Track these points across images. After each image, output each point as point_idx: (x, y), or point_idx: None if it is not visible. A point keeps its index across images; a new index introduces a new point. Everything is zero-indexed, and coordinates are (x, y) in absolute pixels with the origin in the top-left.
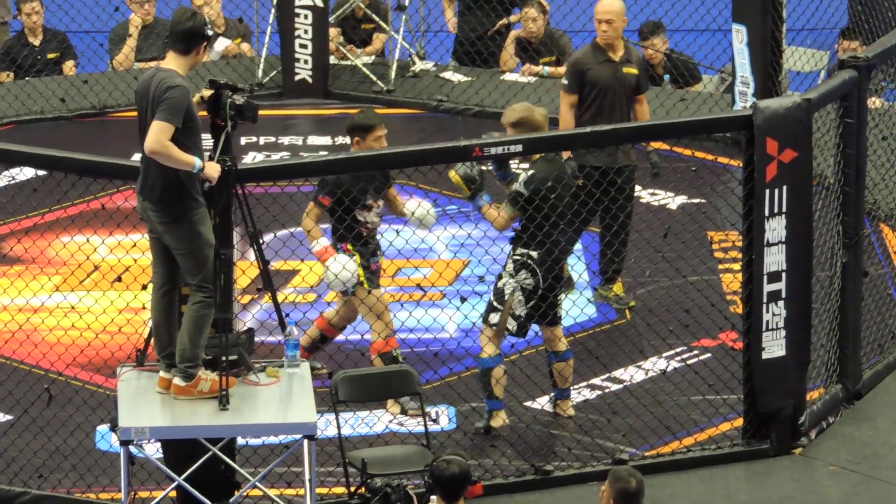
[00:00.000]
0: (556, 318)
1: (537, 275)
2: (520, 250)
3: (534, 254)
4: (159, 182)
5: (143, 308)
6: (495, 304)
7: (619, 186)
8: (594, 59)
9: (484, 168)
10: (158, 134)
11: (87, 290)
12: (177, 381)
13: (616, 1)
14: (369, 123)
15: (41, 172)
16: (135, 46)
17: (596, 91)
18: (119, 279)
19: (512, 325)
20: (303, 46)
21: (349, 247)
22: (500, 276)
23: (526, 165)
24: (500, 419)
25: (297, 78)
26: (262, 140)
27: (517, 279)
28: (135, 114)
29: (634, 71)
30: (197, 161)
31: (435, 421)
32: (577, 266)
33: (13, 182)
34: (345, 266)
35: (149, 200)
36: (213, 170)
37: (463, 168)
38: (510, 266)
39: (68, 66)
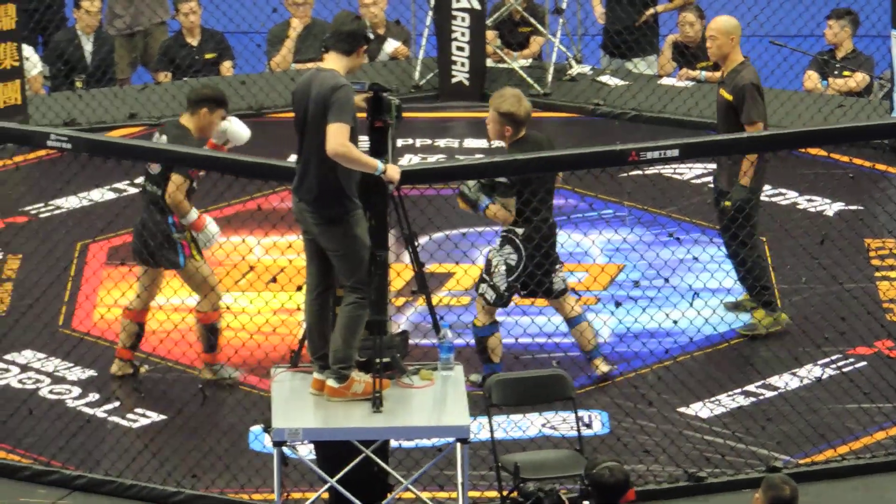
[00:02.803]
0: (555, 290)
1: (521, 251)
2: (504, 228)
3: (519, 231)
4: (318, 183)
5: (298, 309)
6: (485, 276)
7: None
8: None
9: (473, 184)
10: (338, 136)
11: (241, 290)
12: (330, 382)
13: (722, 17)
14: (223, 99)
15: (200, 173)
16: (293, 48)
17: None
18: (274, 280)
19: (490, 294)
20: (460, 49)
21: (181, 221)
22: (491, 250)
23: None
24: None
25: (453, 81)
26: (418, 142)
27: (502, 253)
28: (291, 115)
29: (728, 96)
30: (379, 163)
31: (588, 426)
32: (731, 273)
33: None
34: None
35: (305, 201)
36: (396, 172)
37: (462, 191)
38: (497, 241)
39: (226, 67)
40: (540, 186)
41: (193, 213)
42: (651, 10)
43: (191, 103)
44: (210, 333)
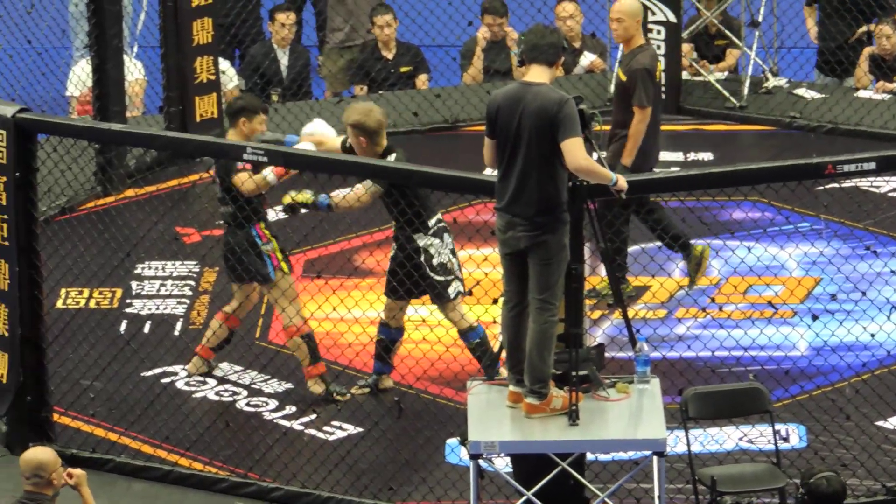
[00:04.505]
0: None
1: (447, 230)
2: (432, 222)
3: (438, 216)
4: (539, 197)
5: (494, 322)
6: (445, 278)
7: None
8: None
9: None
10: (580, 150)
11: None
12: (529, 399)
13: (625, 0)
14: (257, 106)
15: None
16: (480, 64)
17: None
18: (470, 293)
19: (459, 285)
20: None
21: (263, 229)
22: (427, 255)
23: None
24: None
25: None
26: None
27: (445, 244)
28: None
29: (623, 77)
30: (613, 175)
31: (785, 439)
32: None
33: None
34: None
35: (522, 216)
36: (624, 182)
37: (284, 205)
38: (436, 241)
39: (421, 80)
40: None
41: (270, 174)
42: (864, 28)
43: (229, 117)
44: (311, 344)
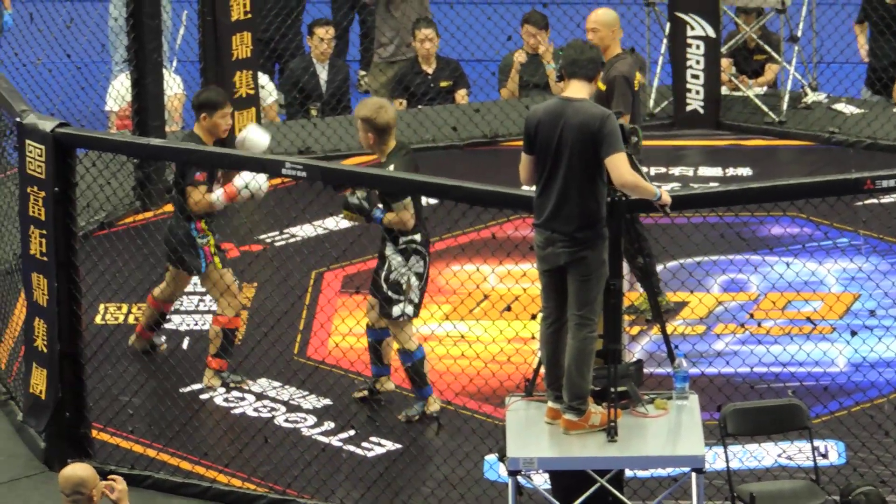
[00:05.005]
0: (392, 313)
1: (425, 256)
2: (403, 240)
3: (417, 237)
4: (580, 212)
5: (532, 338)
6: (394, 296)
7: None
8: None
9: (361, 193)
10: (625, 165)
11: (476, 319)
12: (567, 416)
13: (602, 10)
14: (217, 100)
15: (432, 201)
16: (517, 77)
17: None
18: (508, 308)
19: (410, 310)
20: (695, 77)
21: (203, 225)
22: (387, 270)
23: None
24: (436, 404)
25: (688, 108)
26: (652, 170)
27: (409, 266)
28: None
29: (601, 86)
30: (657, 189)
31: (824, 456)
32: None
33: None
34: (254, 177)
35: (561, 232)
36: (668, 196)
37: (349, 202)
38: (398, 259)
39: (460, 95)
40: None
41: (219, 196)
42: None
43: (194, 111)
44: (226, 339)
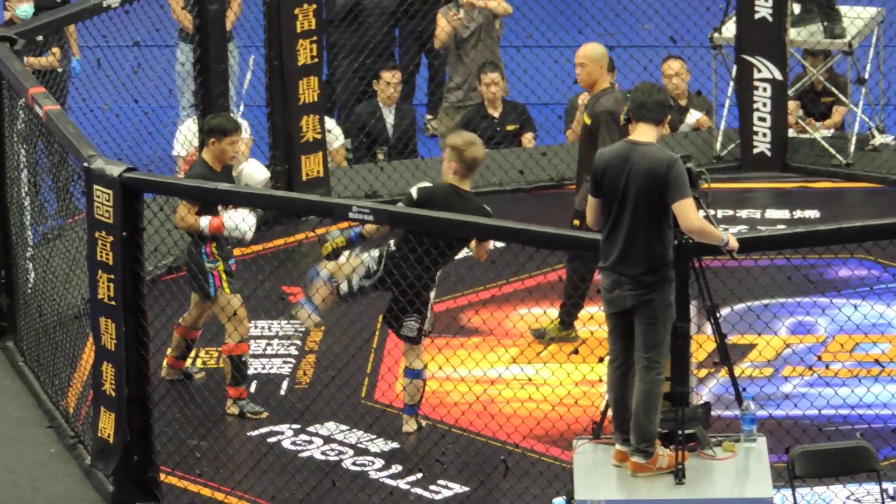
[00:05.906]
0: (405, 335)
1: (381, 263)
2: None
3: (392, 243)
4: (647, 257)
5: (600, 381)
6: (406, 317)
7: None
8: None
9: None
10: (692, 211)
11: (543, 362)
12: (635, 458)
13: (590, 45)
14: (227, 127)
15: (499, 244)
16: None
17: None
18: (576, 351)
19: (344, 288)
20: (761, 119)
21: (213, 249)
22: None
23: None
24: (411, 425)
25: (755, 151)
26: (719, 213)
27: (370, 254)
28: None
29: (587, 120)
30: (724, 235)
31: (893, 498)
32: None
33: (471, 254)
34: (244, 217)
35: (629, 276)
36: (735, 241)
37: (332, 242)
38: (364, 255)
39: (527, 139)
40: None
41: (204, 222)
42: None
43: (204, 135)
44: (237, 366)
